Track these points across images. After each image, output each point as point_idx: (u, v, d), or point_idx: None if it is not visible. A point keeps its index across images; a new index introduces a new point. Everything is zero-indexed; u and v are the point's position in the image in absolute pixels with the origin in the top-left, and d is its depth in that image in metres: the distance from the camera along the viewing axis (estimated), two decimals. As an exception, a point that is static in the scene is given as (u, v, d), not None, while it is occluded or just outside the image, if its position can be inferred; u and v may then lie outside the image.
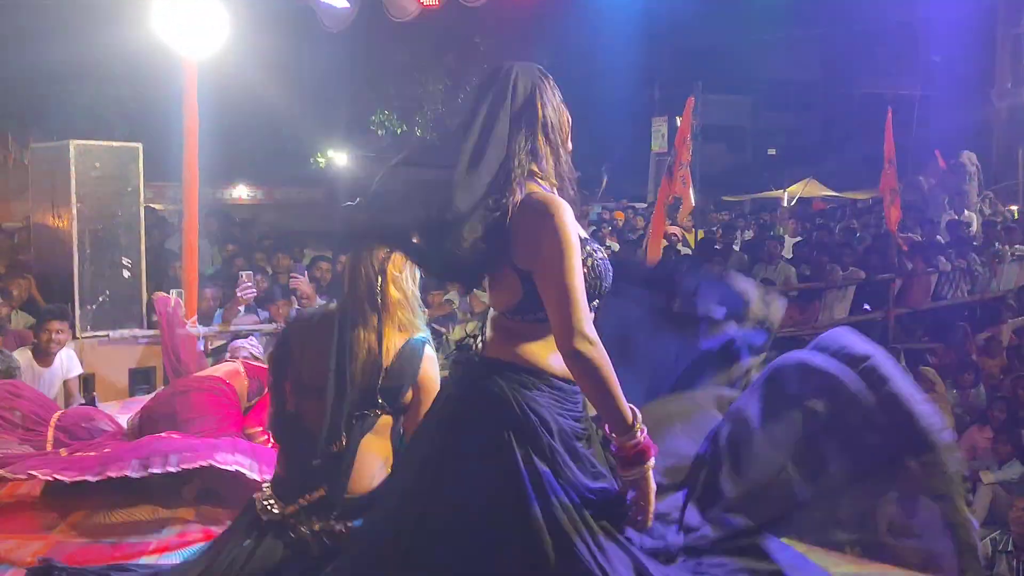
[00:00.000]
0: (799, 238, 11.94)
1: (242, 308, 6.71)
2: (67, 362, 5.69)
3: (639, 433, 2.01)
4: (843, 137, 21.63)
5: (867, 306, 9.63)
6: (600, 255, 2.15)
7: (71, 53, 9.91)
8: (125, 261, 6.37)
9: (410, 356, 2.68)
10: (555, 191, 2.14)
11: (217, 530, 3.61)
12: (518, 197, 2.07)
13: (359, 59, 12.86)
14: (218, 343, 6.46)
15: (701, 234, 11.61)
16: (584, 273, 2.06)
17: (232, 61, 8.27)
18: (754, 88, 26.26)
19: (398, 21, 6.39)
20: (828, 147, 22.39)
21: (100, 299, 6.21)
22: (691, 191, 9.77)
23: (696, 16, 17.83)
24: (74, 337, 6.16)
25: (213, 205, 15.50)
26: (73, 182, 6.10)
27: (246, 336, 6.72)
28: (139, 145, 6.50)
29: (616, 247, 10.42)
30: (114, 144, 6.49)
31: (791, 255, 10.62)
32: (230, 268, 7.74)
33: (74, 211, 6.13)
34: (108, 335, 6.30)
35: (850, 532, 5.50)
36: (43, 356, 5.51)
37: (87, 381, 6.11)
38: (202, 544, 3.06)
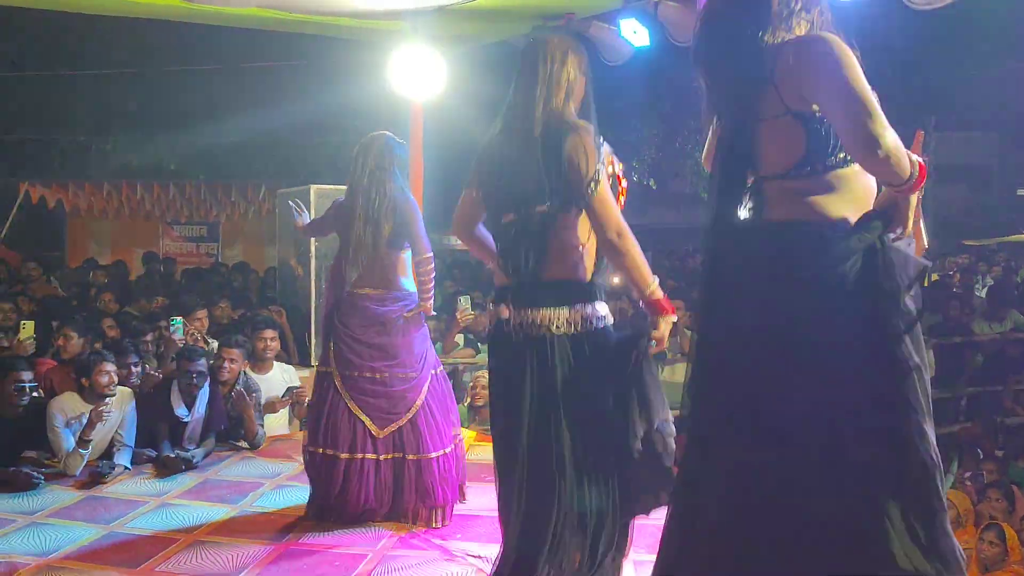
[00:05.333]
0: (1054, 283, 10.87)
1: (460, 340, 6.98)
2: (285, 376, 6.13)
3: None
4: (1109, 173, 19.47)
5: None
6: None
7: (315, 110, 10.90)
8: (355, 296, 6.85)
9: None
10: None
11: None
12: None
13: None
14: (437, 374, 6.77)
15: (935, 277, 10.85)
16: None
17: (455, 112, 8.75)
18: (1000, 123, 24.25)
19: (612, 65, 6.48)
20: (1091, 185, 20.24)
21: (333, 332, 6.70)
22: (923, 230, 9.15)
23: (930, 48, 16.78)
24: (309, 366, 6.70)
25: (438, 249, 16.33)
26: (312, 222, 6.67)
27: (463, 370, 7.03)
28: (370, 189, 7.01)
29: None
30: (348, 188, 7.03)
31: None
32: (450, 305, 8.10)
33: (312, 249, 6.71)
34: (339, 365, 6.77)
35: None
36: (259, 363, 5.96)
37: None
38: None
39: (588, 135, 2.75)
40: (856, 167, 2.07)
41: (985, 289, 10.64)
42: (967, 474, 6.31)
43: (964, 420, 7.64)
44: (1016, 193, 24.57)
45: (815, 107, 2.03)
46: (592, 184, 2.70)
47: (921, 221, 7.93)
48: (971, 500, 5.74)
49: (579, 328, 2.77)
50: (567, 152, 2.71)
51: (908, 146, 2.07)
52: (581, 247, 2.81)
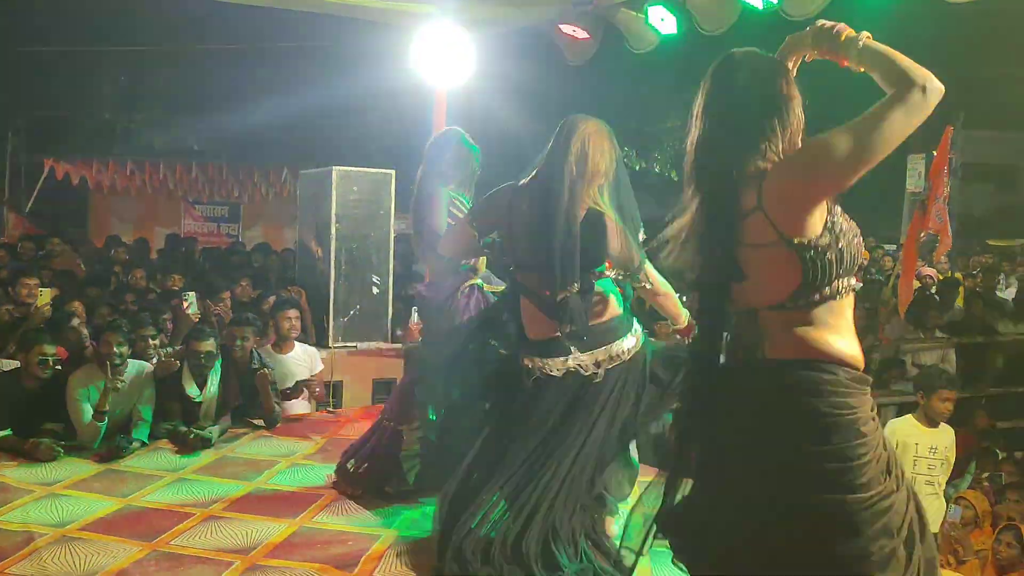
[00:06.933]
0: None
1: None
2: (307, 356, 6.09)
3: None
4: None
5: None
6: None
7: (339, 93, 10.92)
8: (375, 279, 6.88)
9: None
10: None
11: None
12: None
13: (602, 93, 13.09)
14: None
15: (960, 276, 10.72)
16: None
17: (479, 98, 8.73)
18: (1029, 123, 23.89)
19: (638, 53, 6.43)
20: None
21: (351, 313, 6.75)
22: (949, 229, 9.03)
23: (961, 45, 16.56)
24: (326, 347, 6.72)
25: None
26: (334, 204, 6.69)
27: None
28: (392, 171, 7.02)
29: (859, 286, 9.83)
30: (370, 170, 7.05)
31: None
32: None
33: (333, 231, 6.72)
34: (356, 346, 6.81)
35: None
36: (282, 342, 5.97)
37: (335, 388, 6.63)
38: None
39: (611, 221, 3.12)
40: (848, 299, 2.07)
41: (1008, 290, 10.50)
42: (984, 474, 6.25)
43: (984, 420, 7.54)
44: (1044, 194, 24.25)
45: (811, 236, 1.99)
46: (641, 265, 3.19)
47: (948, 221, 7.75)
48: (988, 501, 5.68)
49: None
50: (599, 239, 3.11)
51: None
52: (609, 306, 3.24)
